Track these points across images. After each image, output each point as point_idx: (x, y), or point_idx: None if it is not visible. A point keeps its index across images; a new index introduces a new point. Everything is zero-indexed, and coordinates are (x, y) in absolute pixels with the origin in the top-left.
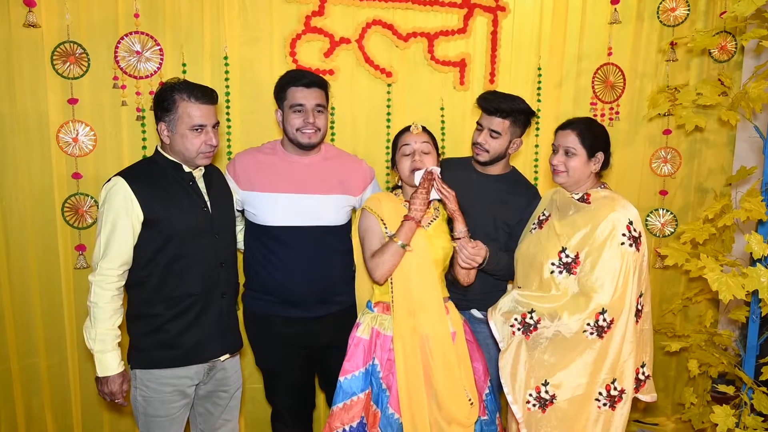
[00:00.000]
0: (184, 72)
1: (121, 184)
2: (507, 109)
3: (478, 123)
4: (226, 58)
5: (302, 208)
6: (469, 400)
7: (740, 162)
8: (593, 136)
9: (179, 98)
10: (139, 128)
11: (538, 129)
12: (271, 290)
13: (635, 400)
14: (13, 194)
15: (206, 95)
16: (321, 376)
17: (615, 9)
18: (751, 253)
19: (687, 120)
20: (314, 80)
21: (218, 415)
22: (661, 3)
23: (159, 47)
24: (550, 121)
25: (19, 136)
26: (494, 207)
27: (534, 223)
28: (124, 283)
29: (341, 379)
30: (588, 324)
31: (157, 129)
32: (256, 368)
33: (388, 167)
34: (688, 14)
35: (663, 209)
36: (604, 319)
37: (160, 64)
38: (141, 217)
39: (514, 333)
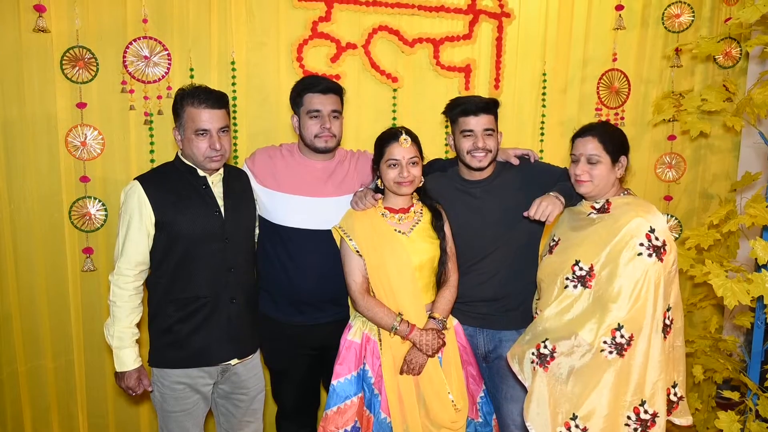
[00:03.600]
0: (192, 77)
1: (136, 187)
2: (489, 101)
3: (464, 131)
4: (233, 63)
5: (319, 212)
6: (454, 404)
7: (745, 168)
8: (614, 140)
9: (186, 103)
10: (147, 132)
11: (542, 134)
12: (284, 292)
13: (668, 424)
14: (21, 197)
15: (210, 99)
16: (327, 377)
17: (620, 15)
18: (756, 259)
19: (692, 126)
20: (330, 86)
21: (239, 417)
22: (665, 9)
23: (167, 52)
24: (555, 127)
25: (28, 140)
26: (502, 209)
27: (545, 252)
28: (141, 283)
29: (334, 382)
30: (605, 342)
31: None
32: (264, 368)
33: None
34: (692, 20)
35: (668, 215)
36: (622, 336)
37: (168, 68)
38: (153, 220)
39: (535, 369)
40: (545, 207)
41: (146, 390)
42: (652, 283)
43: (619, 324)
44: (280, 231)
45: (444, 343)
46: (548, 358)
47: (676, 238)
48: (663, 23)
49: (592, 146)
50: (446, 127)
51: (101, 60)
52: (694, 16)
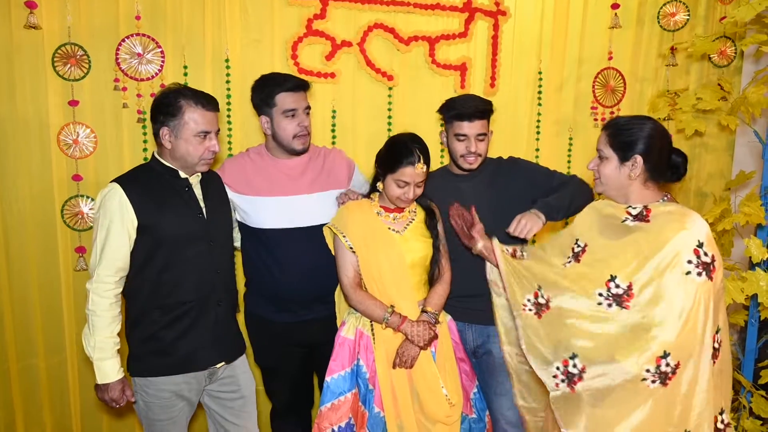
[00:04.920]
0: (186, 74)
1: (116, 189)
2: (484, 108)
3: (458, 135)
4: (227, 60)
5: (295, 210)
6: (448, 399)
7: (739, 166)
8: (626, 136)
9: (185, 104)
10: (140, 130)
11: (538, 132)
12: (271, 291)
13: None
14: (13, 195)
15: (211, 102)
16: (319, 374)
17: (615, 14)
18: (750, 257)
19: (687, 124)
20: (299, 83)
21: (233, 421)
22: (661, 8)
23: (160, 49)
24: (550, 126)
25: (20, 138)
26: (487, 203)
27: (569, 257)
28: (121, 290)
29: (328, 379)
30: (648, 371)
31: (155, 134)
32: (254, 367)
33: None
34: (688, 19)
35: None
36: (668, 364)
37: (161, 66)
38: (135, 223)
39: (557, 385)
40: (524, 225)
41: (129, 401)
42: (702, 305)
43: (665, 351)
44: (259, 233)
45: (435, 335)
46: (576, 378)
47: None
48: (658, 22)
49: (600, 140)
50: (441, 125)
51: (93, 57)
52: (689, 15)
